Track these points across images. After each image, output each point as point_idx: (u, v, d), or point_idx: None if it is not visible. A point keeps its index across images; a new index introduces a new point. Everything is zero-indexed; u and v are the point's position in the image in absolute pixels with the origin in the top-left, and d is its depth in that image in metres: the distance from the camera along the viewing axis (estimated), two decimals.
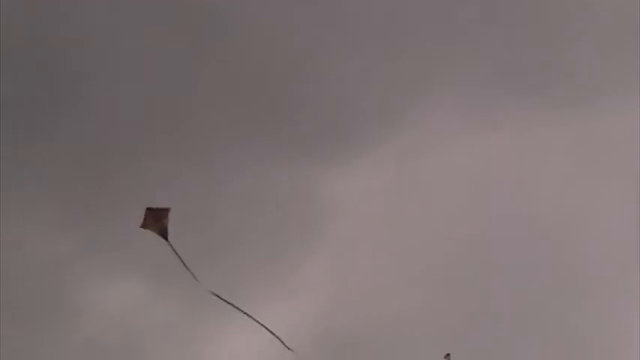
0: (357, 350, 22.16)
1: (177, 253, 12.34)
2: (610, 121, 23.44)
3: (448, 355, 18.02)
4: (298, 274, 23.28)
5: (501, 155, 24.05)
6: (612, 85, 23.74)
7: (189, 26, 23.89)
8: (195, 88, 23.80)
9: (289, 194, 23.79)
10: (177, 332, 21.55)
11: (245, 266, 22.92)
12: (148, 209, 12.84)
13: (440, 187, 24.07)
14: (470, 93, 24.29)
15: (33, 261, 21.79)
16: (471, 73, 24.28)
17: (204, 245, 22.79)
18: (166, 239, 12.67)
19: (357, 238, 23.74)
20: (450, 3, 24.34)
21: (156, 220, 12.74)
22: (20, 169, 22.33)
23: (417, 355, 20.95)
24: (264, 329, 22.47)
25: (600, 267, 22.62)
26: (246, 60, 23.93)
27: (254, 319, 13.76)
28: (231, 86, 23.99)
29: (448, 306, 22.60)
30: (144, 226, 12.80)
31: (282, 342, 14.01)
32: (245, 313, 13.67)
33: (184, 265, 12.46)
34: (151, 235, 22.31)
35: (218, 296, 13.41)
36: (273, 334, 13.77)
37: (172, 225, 22.71)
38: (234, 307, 13.78)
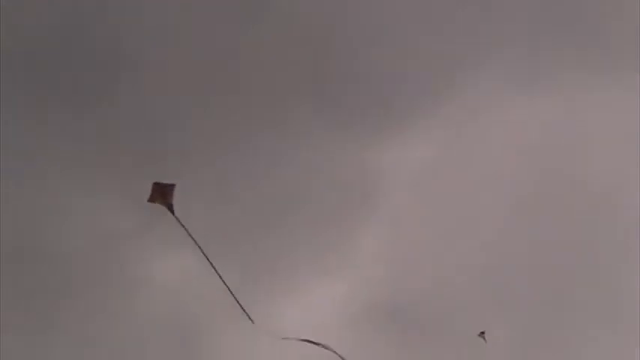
0: (412, 320, 22.30)
1: (184, 226, 12.50)
2: None
3: (483, 332, 18.14)
4: (353, 246, 23.38)
5: (553, 119, 23.84)
6: None
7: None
8: (247, 62, 23.94)
9: (342, 166, 23.90)
10: (227, 303, 21.77)
11: (299, 238, 23.13)
12: (155, 184, 12.91)
13: (492, 153, 23.97)
14: (520, 57, 24.09)
15: (95, 235, 22.20)
16: (520, 38, 24.08)
17: (259, 217, 23.15)
18: (172, 213, 12.76)
19: (411, 208, 23.76)
20: None
21: (162, 194, 12.81)
22: (83, 146, 22.72)
23: (473, 323, 21.06)
24: (314, 301, 22.78)
25: None
26: (297, 35, 24.01)
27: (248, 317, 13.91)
28: (283, 61, 24.08)
29: (504, 273, 22.58)
30: (150, 199, 12.87)
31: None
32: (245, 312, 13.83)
33: (190, 236, 12.64)
34: (201, 212, 22.76)
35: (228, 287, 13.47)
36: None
37: (229, 197, 23.09)
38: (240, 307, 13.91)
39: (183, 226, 12.38)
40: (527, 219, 23.20)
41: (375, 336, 22.25)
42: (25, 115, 22.45)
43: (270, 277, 22.52)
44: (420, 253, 23.21)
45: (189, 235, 12.50)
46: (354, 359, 21.70)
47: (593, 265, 22.38)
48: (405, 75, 24.00)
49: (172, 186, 12.54)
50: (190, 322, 21.58)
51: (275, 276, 22.59)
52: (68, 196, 22.31)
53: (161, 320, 21.62)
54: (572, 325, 21.87)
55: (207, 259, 12.97)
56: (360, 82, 24.19)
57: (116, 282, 21.62)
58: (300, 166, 23.84)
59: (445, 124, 23.98)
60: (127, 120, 23.18)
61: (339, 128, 23.93)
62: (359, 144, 23.94)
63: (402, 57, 24.01)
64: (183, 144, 23.19)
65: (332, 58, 24.18)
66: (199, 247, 12.71)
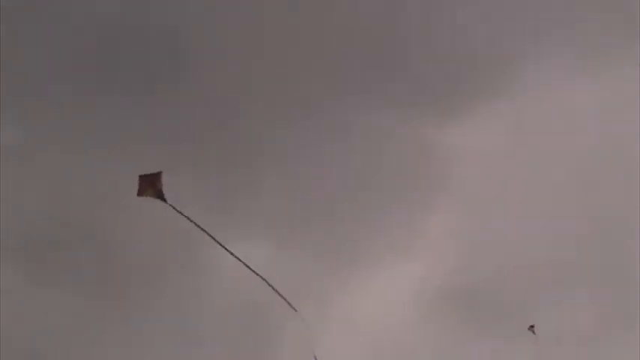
0: (487, 303, 22.18)
1: (184, 215, 12.38)
2: None
3: (532, 326, 17.99)
4: (425, 228, 23.39)
5: (621, 98, 23.48)
6: None
7: None
8: (316, 44, 23.93)
9: (414, 148, 23.85)
10: (304, 286, 21.86)
11: (371, 222, 23.16)
12: (141, 176, 12.71)
13: (561, 132, 23.72)
14: (587, 37, 23.77)
15: (167, 226, 22.38)
16: (586, 17, 23.73)
17: (330, 202, 23.23)
18: (165, 201, 12.60)
19: (482, 189, 23.61)
20: None
21: (151, 184, 12.62)
22: (153, 141, 22.91)
23: (549, 305, 20.97)
24: (387, 284, 22.77)
25: None
26: (367, 18, 23.99)
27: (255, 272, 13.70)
28: (354, 44, 24.07)
29: (576, 254, 22.37)
30: (140, 193, 12.66)
31: (289, 303, 13.96)
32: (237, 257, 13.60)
33: (201, 228, 12.49)
34: (279, 197, 22.89)
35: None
36: (278, 292, 13.77)
37: (301, 183, 23.17)
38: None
39: (181, 213, 12.23)
40: (604, 194, 22.91)
41: (447, 317, 22.25)
42: (93, 109, 22.72)
43: (343, 261, 22.62)
44: (492, 233, 23.09)
45: (192, 221, 12.34)
46: (426, 339, 21.82)
47: None
48: (475, 56, 23.84)
49: (159, 174, 12.32)
50: (259, 310, 21.70)
51: (347, 260, 22.68)
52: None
53: (230, 307, 21.82)
54: None
55: (214, 239, 12.77)
56: (433, 65, 24.11)
57: (188, 270, 21.86)
58: (372, 149, 23.86)
59: (516, 104, 23.75)
60: (192, 112, 23.36)
61: (410, 110, 23.87)
62: (431, 125, 23.87)
63: (473, 38, 23.88)
64: (251, 134, 23.30)
65: (399, 39, 24.11)
66: (206, 232, 12.54)
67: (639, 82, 23.00)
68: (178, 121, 23.06)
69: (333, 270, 22.30)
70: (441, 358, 21.57)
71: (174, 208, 12.61)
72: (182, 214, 12.57)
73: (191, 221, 12.73)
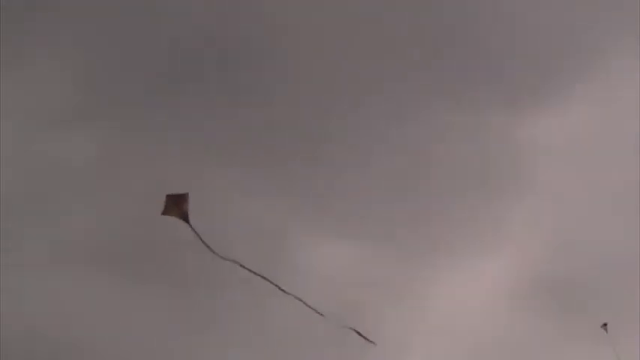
0: (575, 295, 21.96)
1: (199, 236, 12.62)
2: None
3: (605, 324, 17.67)
4: (510, 221, 23.27)
5: None
6: None
7: None
8: (383, 37, 24.09)
9: (496, 140, 23.79)
10: (391, 288, 22.00)
11: (455, 216, 23.20)
12: (168, 196, 13.02)
13: None
14: None
15: (256, 225, 22.96)
16: None
17: (412, 198, 23.40)
18: (188, 223, 12.84)
19: (566, 181, 23.39)
20: None
21: (177, 204, 12.90)
22: (250, 146, 23.49)
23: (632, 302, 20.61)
24: (472, 278, 22.72)
25: None
26: (441, 15, 24.10)
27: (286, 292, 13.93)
28: (449, 42, 24.22)
29: None
30: (165, 212, 12.97)
31: (314, 309, 14.12)
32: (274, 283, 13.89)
33: (207, 246, 12.72)
34: (357, 201, 23.08)
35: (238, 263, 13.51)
36: (301, 300, 13.94)
37: (376, 179, 23.22)
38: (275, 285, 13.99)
39: (199, 237, 12.52)
40: None
41: (532, 311, 22.09)
42: (191, 116, 23.48)
43: (427, 257, 22.70)
44: (577, 226, 22.84)
45: (203, 242, 12.62)
46: (511, 333, 21.72)
47: None
48: (561, 49, 23.67)
49: (185, 195, 12.60)
50: (349, 309, 21.97)
51: (432, 255, 22.74)
52: (241, 195, 23.09)
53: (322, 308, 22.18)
54: None
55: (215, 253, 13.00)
56: (518, 57, 24.02)
57: (280, 272, 22.32)
58: (454, 141, 23.93)
59: (600, 93, 23.49)
60: (285, 119, 23.86)
61: (492, 101, 23.85)
62: (513, 116, 23.81)
63: (558, 30, 23.66)
64: (339, 135, 23.63)
65: (473, 33, 24.13)
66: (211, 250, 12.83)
67: None
68: (269, 125, 23.60)
69: (422, 267, 22.44)
70: (539, 353, 21.43)
71: (194, 231, 12.95)
72: (200, 237, 12.89)
73: (207, 245, 13.02)
